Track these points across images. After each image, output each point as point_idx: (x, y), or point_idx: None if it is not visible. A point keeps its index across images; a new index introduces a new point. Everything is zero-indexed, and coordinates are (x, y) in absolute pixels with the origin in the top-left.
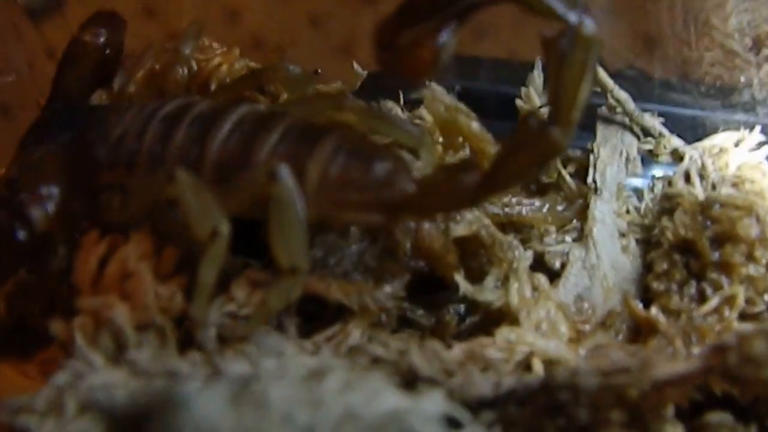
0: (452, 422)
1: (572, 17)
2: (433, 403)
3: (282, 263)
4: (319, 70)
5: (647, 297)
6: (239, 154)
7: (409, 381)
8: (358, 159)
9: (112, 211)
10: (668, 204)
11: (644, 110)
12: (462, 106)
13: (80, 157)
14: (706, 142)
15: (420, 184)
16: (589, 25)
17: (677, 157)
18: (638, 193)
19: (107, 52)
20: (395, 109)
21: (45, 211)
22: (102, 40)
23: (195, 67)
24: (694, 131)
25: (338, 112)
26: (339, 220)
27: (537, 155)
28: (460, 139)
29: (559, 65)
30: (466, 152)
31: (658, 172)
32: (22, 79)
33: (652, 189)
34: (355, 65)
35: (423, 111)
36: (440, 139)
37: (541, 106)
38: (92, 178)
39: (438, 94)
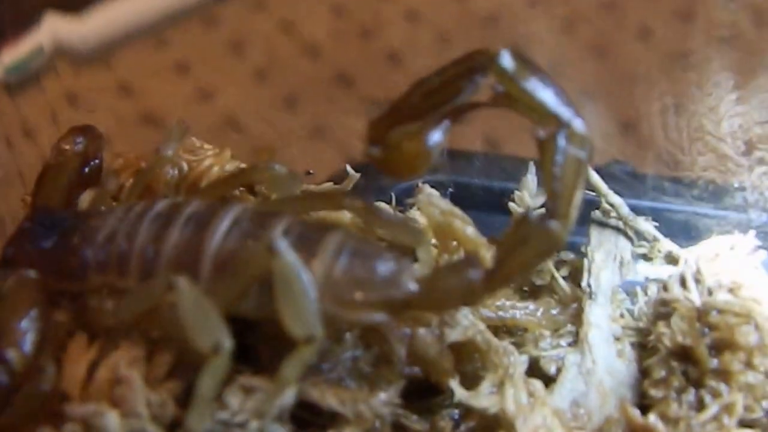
0: None
1: (566, 115)
2: None
3: (297, 335)
4: (311, 171)
5: (644, 403)
6: (238, 254)
7: None
8: (362, 258)
9: (104, 316)
10: (664, 309)
11: (636, 208)
12: (457, 210)
13: (65, 262)
14: (701, 246)
15: (423, 282)
16: (582, 124)
17: (671, 260)
18: (632, 294)
19: (87, 159)
20: (388, 210)
21: (22, 350)
22: (81, 147)
23: (185, 167)
24: (687, 232)
25: (335, 210)
26: (343, 320)
27: (538, 250)
28: (455, 243)
29: (555, 164)
30: (461, 256)
31: (651, 273)
32: (3, 159)
33: (645, 291)
34: (348, 168)
35: (416, 213)
36: (433, 242)
37: (536, 209)
38: (80, 283)
39: (433, 198)
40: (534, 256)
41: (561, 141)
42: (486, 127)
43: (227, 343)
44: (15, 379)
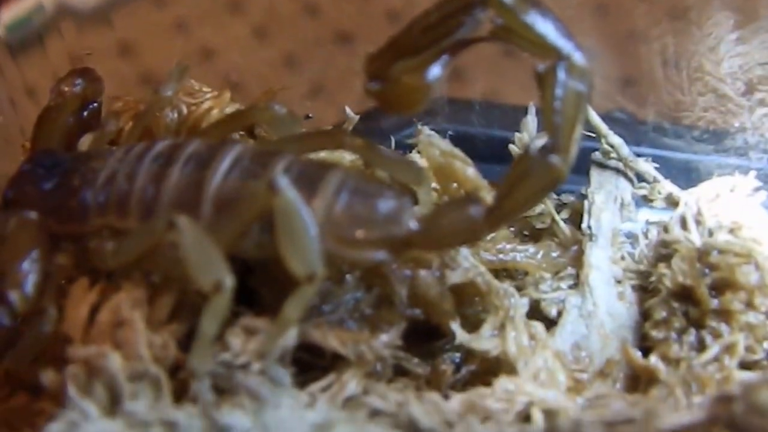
0: None
1: (567, 48)
2: None
3: (298, 272)
4: (310, 115)
5: (645, 345)
6: (239, 193)
7: None
8: (363, 196)
9: (105, 258)
10: (664, 250)
11: (637, 154)
12: (458, 151)
13: (66, 203)
14: (702, 188)
15: (425, 220)
16: (582, 57)
17: (672, 202)
18: (632, 238)
19: (86, 102)
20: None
21: (24, 291)
22: (80, 89)
23: (185, 110)
24: (687, 175)
25: (336, 149)
26: (344, 258)
27: (540, 185)
28: (455, 184)
29: (555, 97)
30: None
31: (651, 216)
32: (6, 118)
33: (646, 235)
34: (347, 109)
35: (416, 155)
36: (434, 184)
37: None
38: (80, 225)
39: (433, 139)
40: (536, 191)
41: (561, 73)
42: (487, 79)
43: (229, 281)
44: (17, 320)
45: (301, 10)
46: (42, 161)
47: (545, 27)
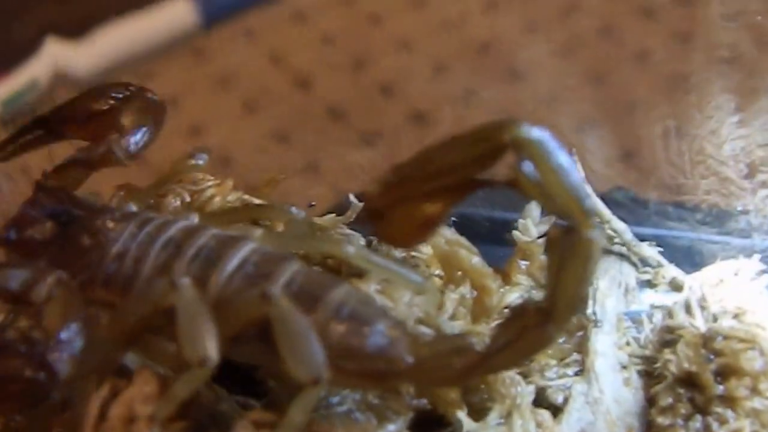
0: None
1: (586, 217)
2: None
3: (302, 378)
4: (313, 203)
5: (651, 431)
6: (236, 299)
7: None
8: (359, 323)
9: (99, 328)
10: (669, 336)
11: (639, 236)
12: (463, 240)
13: (73, 262)
14: (705, 272)
15: (416, 356)
16: (599, 233)
17: (676, 286)
18: (637, 323)
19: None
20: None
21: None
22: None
23: (187, 198)
24: (690, 257)
25: (338, 256)
26: (331, 382)
27: (531, 348)
28: (460, 273)
29: (563, 266)
30: (466, 288)
31: (656, 300)
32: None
33: (651, 319)
34: (351, 197)
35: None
36: (437, 272)
37: (539, 237)
38: (84, 289)
39: None
40: (525, 354)
41: (574, 243)
42: None
43: (213, 359)
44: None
45: (292, 84)
46: (48, 204)
47: (571, 186)
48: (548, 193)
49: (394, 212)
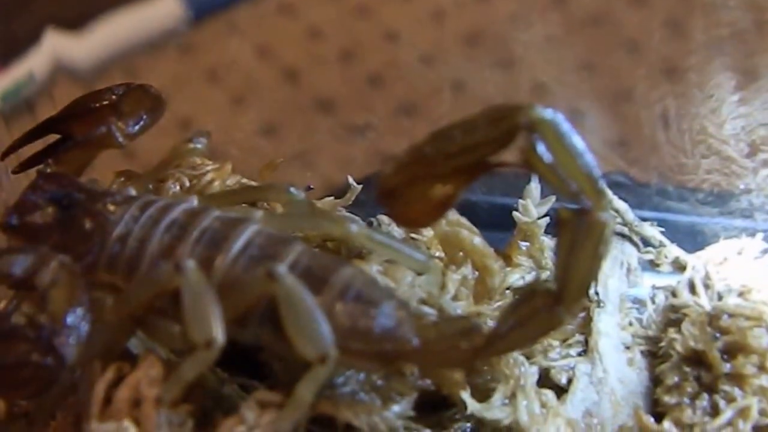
0: None
1: (599, 198)
2: None
3: (310, 356)
4: (311, 185)
5: (656, 411)
6: (242, 279)
7: None
8: (365, 304)
9: (104, 311)
10: (673, 315)
11: (641, 218)
12: (464, 220)
13: (76, 246)
14: (709, 251)
15: (422, 338)
16: (610, 216)
17: (678, 266)
18: (639, 303)
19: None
20: (392, 224)
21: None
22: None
23: (187, 183)
24: (692, 238)
25: (340, 238)
26: (337, 363)
27: (539, 330)
28: (461, 253)
29: (571, 248)
30: (468, 268)
31: (658, 281)
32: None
33: (653, 300)
34: (350, 179)
35: None
36: (437, 254)
37: (539, 217)
38: (87, 273)
39: None
40: (534, 336)
41: (587, 225)
42: None
43: (220, 341)
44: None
45: (281, 77)
46: (49, 189)
47: (586, 167)
48: (561, 174)
49: (407, 192)
